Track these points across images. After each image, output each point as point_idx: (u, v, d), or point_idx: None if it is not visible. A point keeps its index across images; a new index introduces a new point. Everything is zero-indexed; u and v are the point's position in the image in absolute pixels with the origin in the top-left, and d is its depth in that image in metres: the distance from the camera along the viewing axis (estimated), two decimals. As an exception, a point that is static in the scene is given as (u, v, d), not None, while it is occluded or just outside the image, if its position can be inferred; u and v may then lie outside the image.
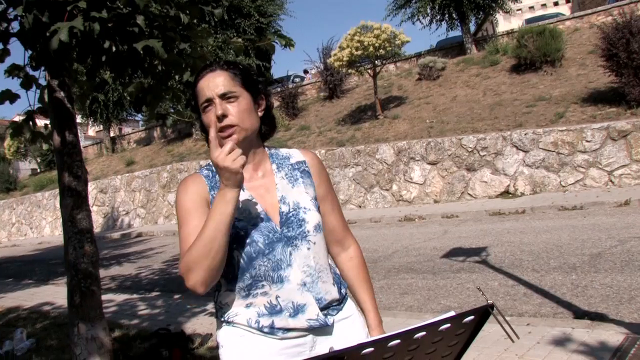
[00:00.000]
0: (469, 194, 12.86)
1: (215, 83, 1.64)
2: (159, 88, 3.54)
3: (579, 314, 4.41)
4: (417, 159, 13.89)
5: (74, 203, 3.87)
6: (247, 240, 1.61)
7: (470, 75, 18.63)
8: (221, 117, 1.61)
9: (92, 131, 44.96)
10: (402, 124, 16.30)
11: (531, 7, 45.00)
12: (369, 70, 17.36)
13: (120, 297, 7.65)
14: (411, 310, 5.24)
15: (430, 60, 20.05)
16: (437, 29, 22.75)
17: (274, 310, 1.61)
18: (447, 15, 21.84)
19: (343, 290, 1.76)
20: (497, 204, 11.52)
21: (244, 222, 1.63)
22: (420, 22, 22.16)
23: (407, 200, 13.77)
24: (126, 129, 36.77)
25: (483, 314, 1.17)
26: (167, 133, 27.39)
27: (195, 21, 3.68)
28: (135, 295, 7.70)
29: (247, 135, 1.65)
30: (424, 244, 8.72)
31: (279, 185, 1.75)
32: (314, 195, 1.77)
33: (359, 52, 16.02)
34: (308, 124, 19.58)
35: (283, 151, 1.84)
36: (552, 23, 19.27)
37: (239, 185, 1.49)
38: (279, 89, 22.88)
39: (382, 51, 16.16)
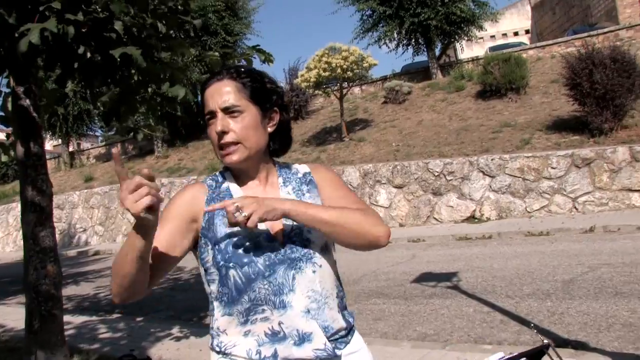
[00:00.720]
0: (434, 218, 12.83)
1: (220, 94, 1.50)
2: (134, 99, 3.34)
3: (559, 341, 4.32)
4: (383, 182, 13.83)
5: (37, 219, 3.62)
6: (246, 260, 1.45)
7: (436, 100, 18.76)
8: (221, 134, 1.47)
9: (49, 145, 43.94)
10: (368, 147, 16.26)
11: (492, 36, 45.75)
12: (335, 92, 17.34)
13: (79, 319, 7.30)
14: (386, 337, 5.08)
15: (397, 84, 20.16)
16: (403, 53, 22.92)
17: (276, 337, 1.45)
18: (413, 40, 22.04)
19: (350, 319, 1.60)
20: (464, 228, 11.50)
21: (243, 238, 1.46)
22: (387, 46, 22.32)
23: (373, 223, 13.66)
24: (85, 144, 36.04)
25: (537, 354, 1.02)
26: (128, 149, 26.89)
27: (171, 32, 3.52)
28: (94, 317, 7.37)
29: (249, 154, 1.51)
30: (393, 268, 8.60)
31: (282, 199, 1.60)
32: None
33: (327, 74, 15.99)
34: (273, 144, 19.38)
35: (293, 167, 1.69)
36: (515, 51, 19.58)
37: (146, 233, 1.29)
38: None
39: (349, 73, 16.17)
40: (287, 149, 1.69)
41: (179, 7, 3.63)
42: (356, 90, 23.03)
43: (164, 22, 3.30)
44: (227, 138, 1.48)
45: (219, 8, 22.61)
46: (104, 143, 30.34)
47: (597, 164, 11.20)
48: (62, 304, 3.69)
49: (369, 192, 13.94)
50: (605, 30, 21.36)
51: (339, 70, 15.90)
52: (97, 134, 37.14)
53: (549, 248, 8.49)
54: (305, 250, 1.50)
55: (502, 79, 16.49)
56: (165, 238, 1.45)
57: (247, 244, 1.46)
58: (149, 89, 3.35)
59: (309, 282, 1.48)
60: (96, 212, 20.35)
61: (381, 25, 21.61)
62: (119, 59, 2.87)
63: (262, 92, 1.55)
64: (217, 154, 1.53)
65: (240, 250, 1.45)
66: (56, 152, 32.53)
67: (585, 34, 21.13)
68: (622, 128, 12.10)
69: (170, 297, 8.47)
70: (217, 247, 1.47)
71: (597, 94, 11.94)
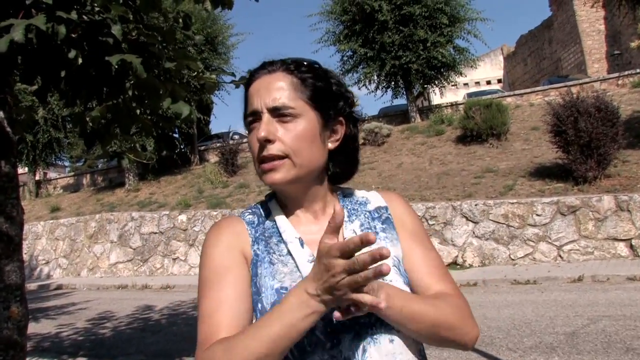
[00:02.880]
0: (415, 262, 12.47)
1: (268, 90, 1.13)
2: (129, 117, 2.93)
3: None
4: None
5: (2, 250, 3.14)
6: None
7: (415, 143, 18.62)
8: (264, 142, 1.10)
9: (14, 175, 42.82)
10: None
11: (466, 84, 46.46)
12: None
13: (39, 361, 6.72)
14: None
15: (376, 125, 20.01)
16: (382, 95, 22.86)
17: None
18: (393, 83, 22.01)
19: None
20: (447, 274, 11.15)
21: None
22: (366, 87, 22.25)
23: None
24: (51, 174, 35.14)
25: None
26: (97, 181, 26.18)
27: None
28: (56, 360, 6.79)
29: (299, 174, 1.13)
30: (378, 313, 8.18)
31: None
32: (400, 255, 1.21)
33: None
34: (247, 182, 18.98)
35: (359, 194, 1.31)
36: (495, 98, 19.64)
37: (332, 305, 0.96)
38: (218, 145, 22.40)
39: (331, 112, 15.93)
40: (352, 175, 1.32)
41: (180, 20, 3.28)
42: (336, 131, 22.80)
43: (159, 38, 2.95)
44: (272, 149, 1.10)
45: (199, 42, 22.40)
46: (72, 173, 29.47)
47: (583, 212, 11.02)
48: (26, 353, 3.17)
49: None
50: (581, 81, 21.65)
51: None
52: (65, 164, 36.25)
53: (540, 297, 8.17)
54: None
55: (483, 125, 16.42)
56: (236, 299, 1.10)
57: None
58: (146, 106, 2.95)
59: (387, 356, 1.08)
60: (61, 244, 19.56)
61: (362, 66, 21.57)
62: (116, 67, 2.47)
63: (326, 93, 1.18)
64: (257, 169, 1.15)
65: None
66: (22, 181, 31.57)
67: (562, 84, 21.39)
68: (606, 177, 11.98)
69: (140, 339, 7.92)
70: (260, 305, 1.09)
71: (581, 142, 11.83)
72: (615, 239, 10.65)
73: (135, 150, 3.88)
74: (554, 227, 11.15)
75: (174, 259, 15.74)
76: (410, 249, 1.24)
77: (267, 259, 1.13)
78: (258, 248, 1.15)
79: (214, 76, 3.71)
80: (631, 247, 10.36)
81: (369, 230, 1.22)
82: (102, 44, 2.58)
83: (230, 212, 15.21)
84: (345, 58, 21.81)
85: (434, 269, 1.21)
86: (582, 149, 11.92)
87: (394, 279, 1.16)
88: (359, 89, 22.63)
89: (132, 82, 2.70)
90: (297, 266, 1.11)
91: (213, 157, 23.37)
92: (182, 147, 23.84)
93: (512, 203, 11.74)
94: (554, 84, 22.70)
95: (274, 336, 0.94)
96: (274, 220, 1.19)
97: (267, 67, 1.17)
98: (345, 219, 1.23)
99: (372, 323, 1.09)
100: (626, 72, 21.68)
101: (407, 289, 1.16)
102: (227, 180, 19.84)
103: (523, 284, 9.54)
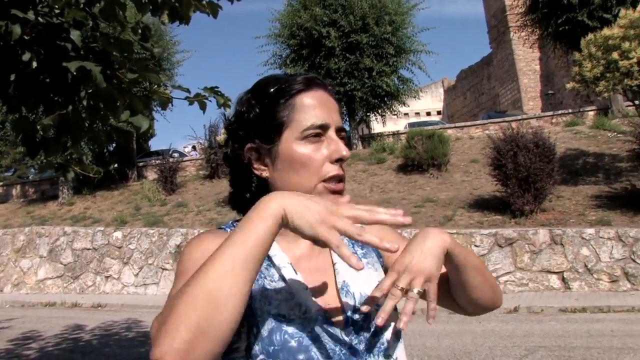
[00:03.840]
0: (354, 288, 12.47)
1: (332, 108, 1.10)
2: (81, 127, 2.78)
3: None
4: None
5: None
6: (302, 357, 0.98)
7: (356, 170, 18.74)
8: (341, 161, 1.09)
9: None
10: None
11: (406, 114, 47.37)
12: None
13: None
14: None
15: (318, 150, 20.05)
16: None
17: None
18: (337, 109, 22.15)
19: None
20: (385, 301, 11.18)
21: (295, 323, 1.00)
22: (309, 112, 22.32)
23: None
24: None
25: None
26: (28, 192, 25.20)
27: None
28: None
29: None
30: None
31: (338, 267, 1.13)
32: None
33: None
34: (186, 201, 18.66)
35: None
36: (436, 129, 20.03)
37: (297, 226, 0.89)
38: (157, 162, 21.99)
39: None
40: None
41: (139, 31, 3.17)
42: (276, 153, 22.78)
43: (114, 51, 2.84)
44: (342, 170, 1.10)
45: (144, 57, 22.06)
46: (0, 183, 28.25)
47: (519, 244, 11.27)
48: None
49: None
50: (519, 117, 22.34)
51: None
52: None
53: (478, 327, 8.26)
54: (377, 340, 1.07)
55: (424, 155, 16.68)
56: None
57: (304, 332, 1.00)
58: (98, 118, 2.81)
59: None
60: (-15, 258, 18.66)
61: (307, 91, 21.65)
62: (74, 74, 2.34)
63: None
64: (316, 190, 1.08)
65: (293, 342, 0.99)
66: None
67: (500, 119, 22.05)
68: (541, 211, 12.32)
69: (69, 361, 7.57)
70: (255, 330, 1.00)
71: (520, 176, 12.14)
72: (549, 272, 10.92)
73: (82, 163, 3.72)
74: (492, 259, 11.36)
75: (107, 277, 15.24)
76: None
77: (260, 282, 1.05)
78: None
79: (168, 91, 3.61)
80: (563, 279, 10.64)
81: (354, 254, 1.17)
82: (60, 49, 2.45)
83: (168, 230, 14.90)
84: (290, 82, 21.89)
85: None
86: (520, 182, 12.23)
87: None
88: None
89: (90, 91, 2.57)
90: (291, 293, 1.04)
91: (152, 174, 22.90)
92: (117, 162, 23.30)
93: (452, 233, 11.89)
94: (492, 119, 23.39)
95: (235, 251, 0.84)
96: None
97: (320, 81, 1.12)
98: None
99: (369, 350, 1.05)
100: (560, 112, 22.58)
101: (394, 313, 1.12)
102: (166, 199, 19.45)
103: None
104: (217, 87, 3.61)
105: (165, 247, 14.54)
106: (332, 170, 1.08)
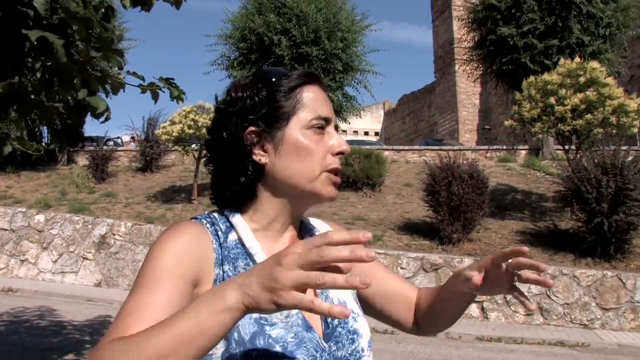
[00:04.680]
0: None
1: (329, 105, 1.13)
2: (31, 100, 2.68)
3: None
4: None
5: None
6: None
7: (293, 179, 18.75)
8: (340, 155, 1.11)
9: None
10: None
11: (344, 131, 47.83)
12: (195, 152, 16.75)
13: None
14: None
15: (255, 157, 19.97)
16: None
17: None
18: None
19: None
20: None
21: (281, 328, 0.98)
22: (252, 117, 22.21)
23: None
24: None
25: None
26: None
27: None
28: None
29: None
30: None
31: None
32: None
33: (191, 131, 15.43)
34: (115, 192, 18.19)
35: (312, 222, 1.26)
36: (374, 149, 20.30)
37: (258, 305, 0.80)
38: (90, 148, 21.41)
39: (214, 135, 15.74)
40: None
41: (102, 10, 3.09)
42: (211, 154, 22.54)
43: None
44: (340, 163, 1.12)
45: (118, 38, 21.48)
46: None
47: (444, 271, 11.52)
48: None
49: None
50: (455, 147, 22.89)
51: (203, 130, 15.41)
52: None
53: (398, 348, 8.39)
54: (354, 347, 1.08)
55: (360, 173, 16.85)
56: (164, 310, 0.91)
57: (287, 336, 0.99)
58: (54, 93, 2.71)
59: None
60: None
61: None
62: (34, 43, 2.26)
63: None
64: (317, 180, 1.08)
65: (278, 347, 0.97)
66: None
67: (437, 147, 22.55)
68: (468, 241, 12.64)
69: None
70: (236, 335, 0.97)
71: (452, 205, 12.42)
72: (469, 301, 11.19)
73: (22, 139, 3.58)
74: (416, 282, 11.55)
75: (22, 261, 14.64)
76: (373, 270, 1.25)
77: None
78: (229, 269, 1.03)
79: (122, 76, 3.53)
80: (482, 309, 10.93)
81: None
82: (20, 14, 2.37)
83: (94, 219, 14.48)
84: (235, 85, 21.70)
85: (400, 278, 1.31)
86: (452, 211, 12.51)
87: (360, 312, 1.16)
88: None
89: (48, 63, 2.48)
90: None
91: (82, 160, 22.24)
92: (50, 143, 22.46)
93: (380, 253, 12.04)
94: (429, 146, 23.89)
95: (178, 333, 0.78)
96: (240, 240, 1.08)
97: (315, 75, 1.14)
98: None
99: (347, 358, 1.06)
100: (495, 147, 23.31)
101: (366, 321, 1.15)
102: (95, 187, 18.91)
103: (381, 332, 9.73)
104: (172, 79, 3.55)
105: (89, 236, 14.12)
106: (334, 162, 1.10)
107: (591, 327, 10.07)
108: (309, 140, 1.08)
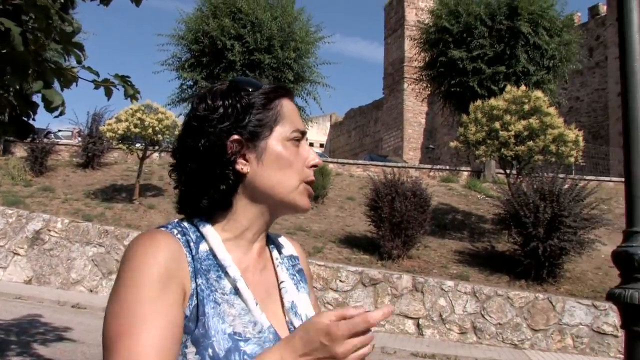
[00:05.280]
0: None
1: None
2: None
3: None
4: (169, 255, 13.06)
5: None
6: None
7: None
8: (315, 167, 1.14)
9: None
10: (158, 216, 15.45)
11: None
12: (139, 151, 16.45)
13: None
14: None
15: (199, 161, 19.74)
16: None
17: None
18: (227, 123, 21.97)
19: None
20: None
21: (254, 344, 0.98)
22: (200, 121, 21.95)
23: (147, 296, 12.72)
24: None
25: None
26: None
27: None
28: None
29: None
30: None
31: (286, 285, 1.14)
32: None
33: (137, 130, 15.15)
34: (53, 187, 17.66)
35: (274, 235, 1.26)
36: (321, 161, 20.36)
37: None
38: (29, 140, 20.72)
39: (159, 137, 15.50)
40: None
41: (61, 0, 3.01)
42: (154, 156, 22.17)
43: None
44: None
45: (77, 30, 20.83)
46: None
47: (383, 286, 11.62)
48: None
49: (151, 263, 13.05)
50: (399, 164, 23.22)
51: (149, 130, 15.16)
52: None
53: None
54: None
55: (305, 184, 16.86)
56: (168, 336, 0.92)
57: (261, 351, 0.97)
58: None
59: None
60: None
61: (198, 98, 21.28)
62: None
63: None
64: (296, 191, 1.10)
65: None
66: None
67: (382, 163, 22.82)
68: (408, 257, 12.80)
69: None
70: (211, 351, 0.95)
71: (394, 221, 12.55)
72: (406, 316, 11.32)
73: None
74: (354, 296, 11.62)
75: (-52, 253, 14.02)
76: (315, 305, 1.24)
77: (211, 297, 1.00)
78: (202, 282, 1.00)
79: (75, 69, 3.44)
80: (418, 325, 11.07)
81: (294, 281, 1.18)
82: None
83: (29, 214, 14.00)
84: (184, 86, 21.41)
85: None
86: (393, 227, 12.65)
87: None
88: (192, 120, 22.28)
89: (4, 51, 2.39)
90: (244, 309, 1.00)
91: (20, 151, 21.53)
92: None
93: (320, 265, 12.07)
94: (374, 161, 24.14)
95: None
96: (211, 251, 1.05)
97: (293, 93, 1.17)
98: (278, 262, 1.18)
99: None
100: (438, 167, 23.77)
101: None
102: (32, 180, 18.32)
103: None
104: (128, 77, 3.48)
105: (23, 231, 13.63)
106: (310, 174, 1.12)
107: (521, 347, 10.33)
108: (289, 152, 1.09)
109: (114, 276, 12.84)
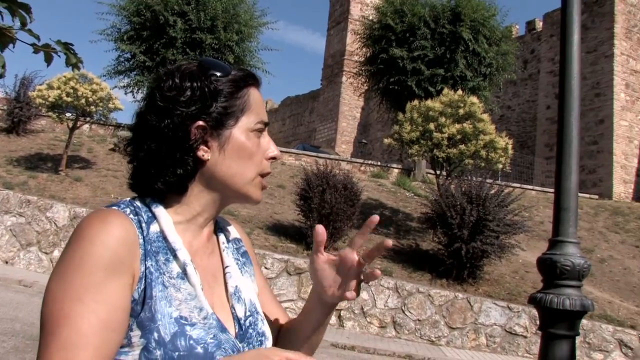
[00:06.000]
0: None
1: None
2: None
3: None
4: (92, 229, 12.70)
5: None
6: None
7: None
8: (273, 160, 1.13)
9: None
10: (84, 189, 15.02)
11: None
12: (69, 121, 15.91)
13: None
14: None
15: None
16: (146, 106, 22.00)
17: None
18: (161, 99, 21.53)
19: None
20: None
21: (200, 329, 0.97)
22: (133, 95, 21.42)
23: (66, 270, 12.33)
24: None
25: None
26: None
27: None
28: None
29: None
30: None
31: (231, 270, 1.14)
32: (256, 291, 1.21)
33: (69, 99, 14.64)
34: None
35: (219, 219, 1.24)
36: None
37: None
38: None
39: (92, 108, 15.04)
40: None
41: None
42: (85, 127, 21.52)
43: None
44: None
45: None
46: None
47: (307, 276, 11.68)
48: None
49: (73, 236, 12.65)
50: (331, 156, 23.41)
51: (82, 101, 14.69)
52: None
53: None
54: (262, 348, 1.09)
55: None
56: (118, 314, 0.92)
57: (207, 338, 0.98)
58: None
59: None
60: None
61: (135, 73, 20.76)
62: None
63: None
64: (252, 183, 1.09)
65: (200, 349, 0.95)
66: None
67: (314, 154, 22.91)
68: (334, 249, 12.90)
69: None
70: (156, 335, 0.93)
71: (323, 212, 12.64)
72: (323, 308, 11.44)
73: None
74: (278, 284, 11.64)
75: None
76: (262, 285, 1.26)
77: (159, 280, 0.98)
78: (152, 265, 0.99)
79: (14, 30, 3.30)
80: (339, 317, 11.20)
81: (239, 264, 1.18)
82: None
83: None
84: (122, 59, 20.80)
85: (277, 303, 1.31)
86: (322, 218, 12.71)
87: (264, 316, 1.17)
88: (126, 94, 21.74)
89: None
90: (191, 294, 1.00)
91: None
92: None
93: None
94: (307, 151, 24.21)
95: None
96: (162, 233, 1.03)
97: (257, 79, 1.14)
98: (224, 246, 1.18)
99: None
100: (370, 162, 24.01)
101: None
102: (-52, 142, 17.44)
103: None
104: (71, 44, 3.35)
105: None
106: (268, 167, 1.11)
107: (438, 343, 10.63)
108: (252, 143, 1.08)
109: (33, 248, 12.44)
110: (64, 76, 14.70)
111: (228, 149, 1.05)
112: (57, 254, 12.43)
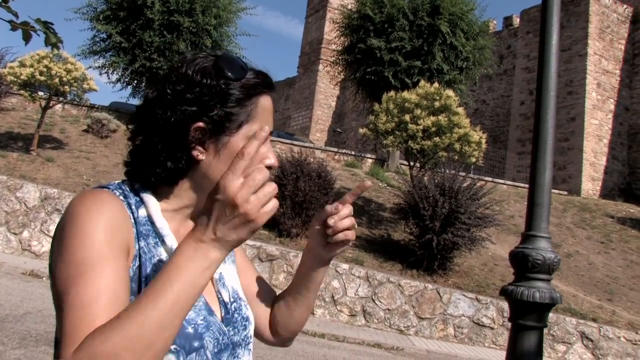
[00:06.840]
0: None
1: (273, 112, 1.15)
2: None
3: None
4: (62, 211, 12.56)
5: None
6: (196, 344, 0.98)
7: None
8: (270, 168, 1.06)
9: None
10: (56, 170, 14.83)
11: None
12: (42, 100, 15.66)
13: None
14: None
15: (105, 117, 19.10)
16: (121, 89, 21.90)
17: None
18: (136, 82, 21.31)
19: None
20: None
21: (191, 310, 0.97)
22: (108, 76, 21.16)
23: (35, 252, 12.19)
24: None
25: None
26: None
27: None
28: None
29: None
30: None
31: None
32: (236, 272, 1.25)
33: (43, 78, 14.40)
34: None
35: None
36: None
37: (236, 245, 0.89)
38: None
39: (66, 87, 14.82)
40: None
41: None
42: (57, 107, 21.19)
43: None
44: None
45: None
46: None
47: (279, 263, 11.74)
48: None
49: (43, 219, 12.50)
50: (306, 144, 23.39)
51: (56, 80, 14.46)
52: None
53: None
54: (245, 333, 1.13)
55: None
56: (120, 288, 0.91)
57: (197, 319, 1.01)
58: None
59: None
60: None
61: (111, 53, 20.51)
62: None
63: None
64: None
65: (190, 329, 0.98)
66: None
67: (289, 141, 22.87)
68: (306, 237, 12.88)
69: None
70: None
71: (296, 200, 12.69)
72: (299, 295, 11.50)
73: None
74: (250, 269, 11.66)
75: None
76: (246, 265, 1.31)
77: (152, 260, 1.00)
78: (144, 245, 1.01)
79: (-5, 8, 3.26)
80: (310, 305, 11.27)
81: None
82: None
83: None
84: (97, 39, 20.53)
85: (263, 279, 1.33)
86: (295, 206, 12.78)
87: (247, 302, 1.21)
88: (100, 74, 21.50)
89: None
90: None
91: None
92: None
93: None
94: (281, 138, 24.16)
95: (175, 299, 0.82)
96: (149, 217, 1.05)
97: (275, 88, 1.15)
98: None
99: (239, 343, 1.10)
100: (344, 151, 24.08)
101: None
102: None
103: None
104: (51, 23, 3.32)
105: None
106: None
107: (406, 333, 10.77)
108: (251, 150, 1.07)
109: (1, 229, 12.26)
110: (37, 54, 14.44)
111: (224, 154, 1.04)
112: (26, 234, 12.29)
